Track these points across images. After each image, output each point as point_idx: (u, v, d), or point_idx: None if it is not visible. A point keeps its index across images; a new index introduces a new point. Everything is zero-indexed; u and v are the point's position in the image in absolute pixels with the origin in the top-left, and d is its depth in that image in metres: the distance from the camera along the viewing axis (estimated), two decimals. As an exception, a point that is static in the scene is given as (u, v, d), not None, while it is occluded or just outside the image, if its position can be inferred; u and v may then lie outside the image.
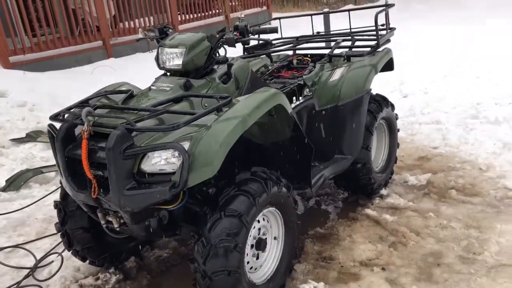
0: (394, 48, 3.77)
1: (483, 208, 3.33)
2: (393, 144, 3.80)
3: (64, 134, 2.31)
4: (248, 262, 2.42)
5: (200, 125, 2.18)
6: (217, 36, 2.71)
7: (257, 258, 2.52)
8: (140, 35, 3.07)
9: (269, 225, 2.57)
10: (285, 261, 2.64)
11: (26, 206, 3.89)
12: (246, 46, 4.08)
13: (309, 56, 3.90)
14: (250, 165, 2.80)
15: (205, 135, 2.11)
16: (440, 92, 6.01)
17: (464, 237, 2.99)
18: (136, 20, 9.64)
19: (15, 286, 2.86)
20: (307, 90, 3.37)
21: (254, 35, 2.78)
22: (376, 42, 3.54)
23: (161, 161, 2.15)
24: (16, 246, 3.29)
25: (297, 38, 4.30)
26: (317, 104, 3.33)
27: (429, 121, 5.12)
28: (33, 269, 3.02)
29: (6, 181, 4.30)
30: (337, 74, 3.36)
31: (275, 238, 2.63)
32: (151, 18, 10.01)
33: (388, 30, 3.82)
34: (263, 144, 2.76)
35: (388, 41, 3.78)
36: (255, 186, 2.33)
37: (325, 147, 3.29)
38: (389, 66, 3.72)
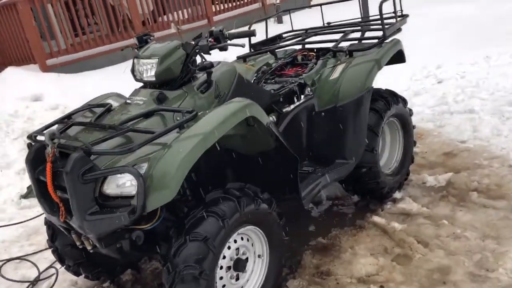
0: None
1: (507, 214, 2.98)
2: (409, 143, 3.49)
3: (33, 156, 2.28)
4: (224, 286, 2.29)
5: (162, 144, 2.06)
6: (193, 43, 2.56)
7: (237, 279, 2.38)
8: (172, 30, 2.95)
9: (250, 243, 2.42)
10: (271, 279, 2.48)
11: (41, 214, 3.97)
12: (252, 43, 3.97)
13: (314, 50, 3.65)
14: (238, 177, 2.70)
15: (163, 156, 1.99)
16: (479, 76, 5.48)
17: (478, 250, 2.69)
18: (170, 15, 9.63)
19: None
20: (308, 89, 3.16)
21: (230, 40, 2.59)
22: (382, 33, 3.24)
23: (125, 183, 2.06)
24: (18, 258, 3.36)
25: (306, 30, 4.05)
26: (317, 104, 3.11)
27: (462, 110, 4.70)
28: (33, 282, 3.06)
29: (28, 187, 4.41)
30: (338, 71, 3.11)
31: (259, 256, 2.48)
32: (185, 11, 9.96)
33: (399, 18, 3.48)
34: (249, 155, 2.60)
35: (398, 30, 3.45)
36: (225, 205, 2.19)
37: (325, 151, 3.08)
38: (399, 58, 3.40)
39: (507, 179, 3.36)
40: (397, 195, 3.38)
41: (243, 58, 3.78)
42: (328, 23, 4.06)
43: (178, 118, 2.33)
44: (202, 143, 2.03)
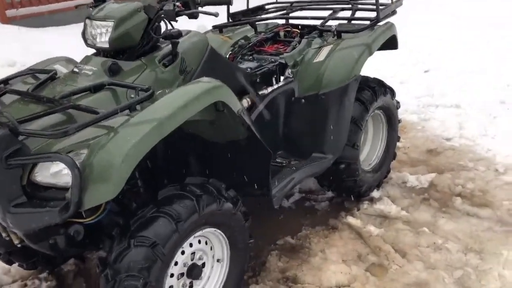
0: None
1: (491, 225, 2.75)
2: (392, 138, 3.20)
3: None
4: (174, 295, 1.98)
5: (108, 128, 1.69)
6: (157, 7, 2.16)
7: (191, 287, 2.07)
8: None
9: (208, 247, 2.10)
10: (231, 286, 2.18)
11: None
12: (231, 12, 3.56)
13: (299, 27, 3.29)
14: (203, 167, 2.36)
15: (106, 144, 1.62)
16: (474, 65, 5.19)
17: (459, 265, 2.45)
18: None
19: None
20: (289, 71, 2.81)
21: (202, 7, 2.21)
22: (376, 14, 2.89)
23: (61, 170, 1.68)
24: None
25: (291, 3, 3.66)
26: (297, 89, 2.77)
27: (449, 103, 4.44)
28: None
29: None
30: (323, 54, 2.76)
31: (218, 260, 2.16)
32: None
33: (395, 0, 3.13)
34: (218, 142, 2.25)
35: (393, 13, 3.11)
36: (181, 205, 1.84)
37: (303, 143, 2.76)
38: (392, 44, 3.07)
39: (492, 184, 3.13)
40: (375, 194, 3.11)
41: (219, 28, 3.38)
42: (318, -3, 3.68)
43: (132, 96, 1.96)
44: (156, 131, 1.67)
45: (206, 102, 1.86)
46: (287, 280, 2.46)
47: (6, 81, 2.26)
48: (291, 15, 3.54)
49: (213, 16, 2.20)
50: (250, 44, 3.13)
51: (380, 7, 2.96)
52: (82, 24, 2.26)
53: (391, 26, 2.98)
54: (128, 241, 1.75)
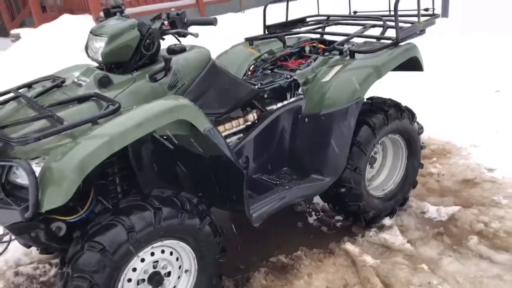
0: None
1: (502, 272, 2.48)
2: (412, 165, 3.01)
3: None
4: (133, 300, 2.09)
5: (71, 138, 1.85)
6: (148, 25, 2.28)
7: (154, 294, 2.16)
8: None
9: (174, 257, 2.18)
10: (196, 299, 2.25)
11: None
12: (268, 24, 3.59)
13: (327, 43, 3.22)
14: (189, 177, 2.46)
15: (61, 155, 1.77)
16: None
17: (447, 312, 2.26)
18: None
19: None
20: (301, 88, 2.79)
21: (189, 26, 2.28)
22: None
23: None
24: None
25: (327, 17, 3.60)
26: (304, 107, 2.74)
27: (510, 129, 4.03)
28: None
29: None
30: (331, 73, 2.70)
31: (186, 271, 2.24)
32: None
33: (424, 19, 2.93)
34: (202, 156, 2.32)
35: (421, 32, 2.92)
36: (138, 216, 1.95)
37: (303, 162, 2.72)
38: (415, 65, 2.89)
39: (522, 227, 2.81)
40: (387, 221, 2.95)
41: (250, 41, 3.43)
42: (355, 12, 3.58)
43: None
44: (106, 146, 1.78)
45: (165, 120, 1.93)
46: (264, 299, 2.46)
47: (30, 85, 2.52)
48: (326, 29, 3.50)
49: (193, 37, 2.26)
50: (274, 58, 3.15)
51: (405, 26, 2.81)
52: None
53: (411, 48, 2.81)
54: (82, 245, 1.90)
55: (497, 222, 2.86)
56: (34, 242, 2.18)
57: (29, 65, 6.28)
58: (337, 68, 2.70)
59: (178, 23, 2.25)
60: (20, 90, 2.41)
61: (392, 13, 3.16)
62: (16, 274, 2.78)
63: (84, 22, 7.47)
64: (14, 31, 8.45)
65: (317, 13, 3.76)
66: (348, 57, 2.78)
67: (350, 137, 2.59)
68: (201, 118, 2.06)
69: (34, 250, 2.93)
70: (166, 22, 2.27)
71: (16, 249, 2.93)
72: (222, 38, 4.27)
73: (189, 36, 2.37)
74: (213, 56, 3.41)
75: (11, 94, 2.35)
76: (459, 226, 2.88)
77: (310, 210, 3.20)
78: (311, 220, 3.11)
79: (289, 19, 3.65)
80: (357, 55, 2.75)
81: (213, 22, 2.28)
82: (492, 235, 2.77)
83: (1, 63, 6.80)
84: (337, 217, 3.11)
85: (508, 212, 2.95)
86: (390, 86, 4.42)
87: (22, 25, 9.59)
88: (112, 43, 2.21)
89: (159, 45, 2.32)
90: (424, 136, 4.10)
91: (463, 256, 2.63)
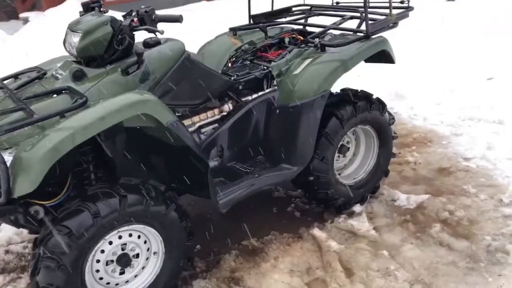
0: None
1: (457, 259, 2.60)
2: (384, 154, 3.11)
3: None
4: (101, 279, 2.26)
5: (40, 130, 2.01)
6: (120, 21, 2.41)
7: (122, 273, 2.34)
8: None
9: (142, 240, 2.34)
10: (164, 278, 2.41)
11: None
12: (253, 14, 3.67)
13: (306, 34, 3.30)
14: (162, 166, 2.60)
15: (31, 145, 1.93)
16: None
17: (400, 295, 2.39)
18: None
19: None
20: (275, 80, 2.90)
21: (156, 23, 2.39)
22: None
23: None
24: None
25: (310, 7, 3.66)
26: (276, 99, 2.85)
27: (492, 118, 4.08)
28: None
29: None
30: (302, 66, 2.80)
31: (154, 253, 2.40)
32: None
33: (396, 11, 2.99)
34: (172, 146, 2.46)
35: (394, 25, 2.99)
36: (104, 202, 2.11)
37: (274, 152, 2.84)
38: (386, 57, 2.96)
39: (486, 216, 2.91)
40: (357, 208, 3.08)
41: (234, 31, 3.53)
42: (337, 2, 3.63)
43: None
44: (69, 139, 1.93)
45: (127, 114, 2.07)
46: (231, 280, 2.62)
47: (16, 75, 2.67)
48: (309, 20, 3.57)
49: (159, 33, 2.38)
50: (254, 49, 3.25)
51: (375, 19, 2.88)
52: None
53: (380, 41, 2.88)
54: (51, 228, 2.07)
55: (462, 210, 2.97)
56: (14, 224, 2.36)
57: (35, 49, 6.46)
58: (307, 61, 2.79)
59: (146, 19, 2.36)
60: (7, 81, 2.57)
61: (372, 5, 3.27)
62: (7, 252, 2.99)
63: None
64: (23, 15, 8.64)
65: (303, 3, 3.82)
66: (319, 50, 2.86)
67: (316, 128, 2.70)
68: (164, 112, 2.19)
69: (25, 230, 3.13)
70: (135, 19, 2.38)
71: (9, 229, 3.13)
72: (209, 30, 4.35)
73: (171, 27, 2.47)
74: (198, 46, 3.56)
75: None
76: (426, 214, 2.99)
77: (286, 196, 3.33)
78: (286, 206, 3.24)
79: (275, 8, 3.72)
80: (328, 48, 2.84)
81: (179, 19, 2.38)
82: (456, 223, 2.88)
83: (8, 47, 7.00)
84: (312, 204, 3.23)
85: (474, 201, 3.05)
86: (382, 75, 4.51)
87: (32, 8, 9.77)
88: (86, 38, 2.34)
89: (131, 40, 2.45)
90: (408, 125, 4.22)
91: (424, 243, 2.75)
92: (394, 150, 3.65)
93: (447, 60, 5.43)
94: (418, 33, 6.21)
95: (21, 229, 3.11)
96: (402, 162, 3.60)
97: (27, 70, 2.69)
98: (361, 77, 4.81)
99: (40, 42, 6.81)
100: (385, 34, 3.00)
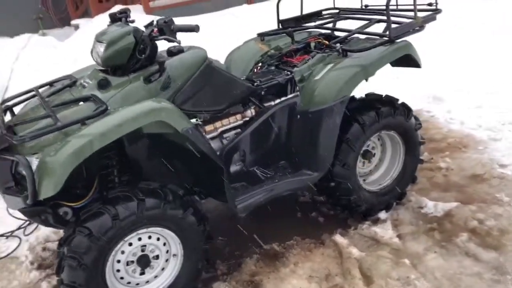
0: None
1: (483, 271, 2.50)
2: (411, 160, 3.05)
3: None
4: (122, 278, 2.36)
5: (64, 136, 2.13)
6: (141, 31, 2.50)
7: (143, 274, 2.43)
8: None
9: (161, 243, 2.43)
10: (182, 280, 2.49)
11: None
12: (281, 19, 3.68)
13: (332, 38, 3.28)
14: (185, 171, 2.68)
15: (55, 151, 2.06)
16: None
17: (417, 306, 2.34)
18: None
19: (8, 233, 3.35)
20: (297, 85, 2.91)
21: (175, 33, 2.46)
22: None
23: None
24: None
25: (338, 11, 3.64)
26: (298, 104, 2.86)
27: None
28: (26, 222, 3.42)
29: None
30: (323, 71, 2.79)
31: (174, 255, 2.48)
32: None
33: (422, 13, 2.91)
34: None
35: (419, 29, 2.91)
36: (123, 205, 2.21)
37: (296, 157, 2.85)
38: (412, 62, 2.90)
39: (518, 226, 2.79)
40: (382, 215, 3.03)
41: (262, 36, 3.56)
42: (366, 5, 3.58)
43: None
44: (88, 145, 2.04)
45: (143, 121, 2.16)
46: (250, 284, 2.66)
47: (51, 83, 2.84)
48: (337, 24, 3.55)
49: (177, 43, 2.46)
50: (280, 54, 3.27)
51: (406, 21, 2.82)
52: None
53: (403, 46, 2.82)
54: (74, 228, 2.19)
55: (492, 220, 2.85)
56: (44, 224, 2.50)
57: (83, 55, 6.77)
58: (329, 66, 2.79)
59: (165, 30, 2.44)
60: (43, 88, 2.73)
61: (400, 7, 3.22)
62: (44, 249, 3.17)
63: (135, 13, 7.85)
64: (74, 22, 9.04)
65: (332, 6, 3.80)
66: (340, 55, 2.85)
67: (336, 133, 2.69)
68: (179, 119, 2.26)
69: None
70: (155, 29, 2.47)
71: (44, 229, 3.32)
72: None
73: (193, 37, 2.55)
74: (227, 52, 3.61)
75: (33, 93, 2.67)
76: (453, 222, 2.90)
77: (311, 201, 3.33)
78: (310, 211, 3.24)
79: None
80: (350, 53, 2.82)
81: (194, 29, 2.45)
82: (485, 233, 2.77)
83: (59, 53, 7.36)
84: (337, 210, 3.21)
85: (506, 210, 2.93)
86: (420, 77, 4.41)
87: (84, 15, 10.23)
88: (110, 48, 2.45)
89: (153, 49, 2.54)
90: (444, 129, 4.09)
91: (448, 252, 2.67)
92: (426, 155, 3.60)
93: (487, 61, 5.22)
94: (460, 31, 6.00)
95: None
96: (433, 168, 3.50)
97: (62, 78, 2.84)
98: (399, 79, 4.74)
99: (87, 48, 7.11)
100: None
